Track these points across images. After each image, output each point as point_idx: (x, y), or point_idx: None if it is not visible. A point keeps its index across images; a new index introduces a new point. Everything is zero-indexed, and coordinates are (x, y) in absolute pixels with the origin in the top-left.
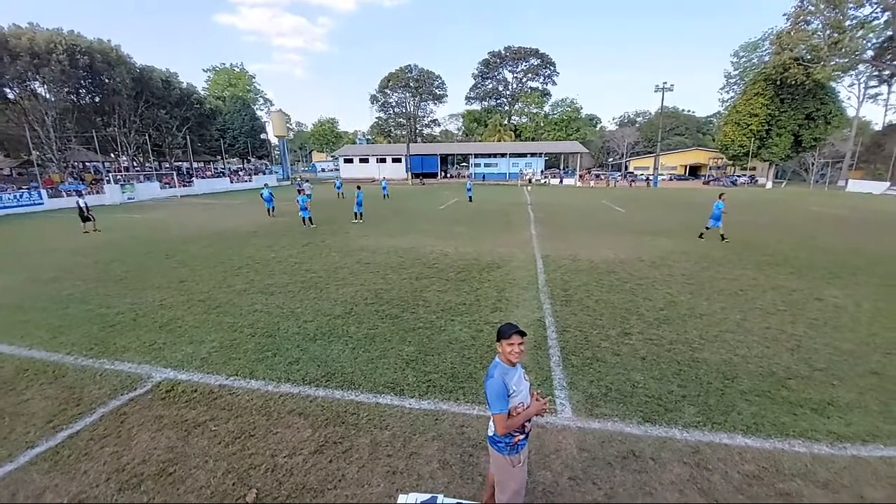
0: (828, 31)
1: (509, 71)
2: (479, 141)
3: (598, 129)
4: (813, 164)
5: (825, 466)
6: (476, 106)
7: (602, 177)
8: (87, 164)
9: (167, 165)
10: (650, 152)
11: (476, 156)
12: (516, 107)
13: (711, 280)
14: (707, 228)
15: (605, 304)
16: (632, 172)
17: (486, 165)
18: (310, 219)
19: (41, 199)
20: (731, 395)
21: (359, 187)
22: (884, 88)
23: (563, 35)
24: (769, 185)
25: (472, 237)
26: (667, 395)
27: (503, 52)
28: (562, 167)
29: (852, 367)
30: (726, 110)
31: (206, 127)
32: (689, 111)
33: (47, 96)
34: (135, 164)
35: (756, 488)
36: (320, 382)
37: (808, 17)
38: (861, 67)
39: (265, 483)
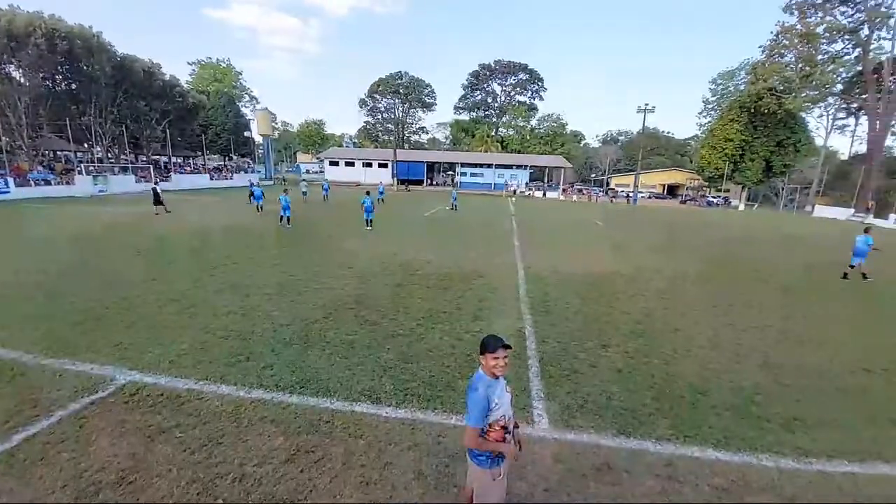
0: (800, 65)
1: (498, 84)
2: (466, 150)
3: (581, 145)
4: (783, 189)
5: (791, 481)
6: (464, 116)
7: (584, 192)
8: (58, 152)
9: (144, 159)
10: (631, 170)
11: (462, 165)
12: (504, 119)
13: (686, 296)
14: (851, 267)
15: (584, 316)
16: (613, 189)
17: (473, 175)
18: (288, 219)
19: (7, 187)
20: (702, 409)
21: (367, 193)
22: (851, 120)
23: (553, 52)
24: (741, 207)
25: (455, 245)
26: (641, 407)
27: (493, 65)
28: (546, 181)
29: (819, 385)
30: (703, 134)
31: (187, 121)
32: (668, 133)
33: (22, 80)
34: (109, 155)
35: (724, 501)
36: (294, 389)
37: (783, 51)
38: (830, 100)
39: (232, 494)
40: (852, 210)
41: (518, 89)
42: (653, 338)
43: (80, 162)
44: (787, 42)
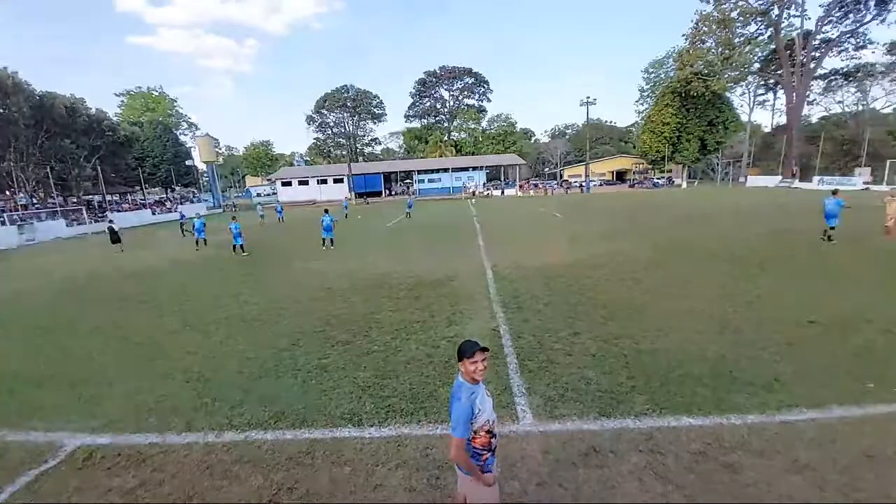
0: (720, 49)
1: (445, 89)
2: (422, 157)
3: (532, 141)
4: (718, 164)
5: (759, 435)
6: (416, 124)
7: (540, 186)
8: None
9: (74, 200)
10: (581, 161)
11: (419, 172)
12: (455, 123)
13: (644, 278)
14: (832, 229)
15: (554, 308)
16: (567, 180)
17: (430, 181)
18: (241, 247)
19: None
20: (673, 380)
21: (326, 211)
22: (770, 95)
23: (495, 55)
24: (684, 185)
25: (421, 253)
26: (618, 387)
27: (438, 71)
28: (502, 179)
29: (775, 343)
30: (643, 120)
31: (120, 155)
32: (611, 122)
33: None
34: (34, 200)
35: (703, 465)
36: (269, 424)
37: (703, 37)
38: (750, 78)
39: None
40: (780, 177)
41: (465, 93)
42: (620, 320)
43: (3, 211)
44: (707, 29)
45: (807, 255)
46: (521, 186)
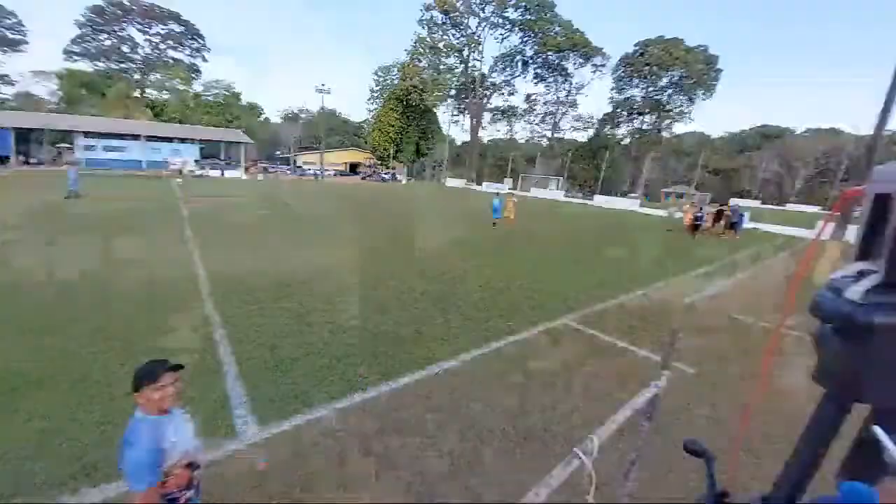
0: (430, 70)
1: (139, 30)
2: (94, 115)
3: (262, 119)
4: (427, 166)
5: (452, 374)
6: (85, 66)
7: (271, 170)
8: None
9: None
10: (316, 148)
11: (87, 135)
12: (154, 78)
13: (360, 271)
14: (498, 219)
15: (275, 306)
16: (300, 167)
17: (109, 149)
18: None
19: None
20: (391, 352)
21: None
22: (461, 117)
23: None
24: (404, 181)
25: (107, 255)
26: (349, 364)
27: (127, 3)
28: (223, 157)
29: (456, 308)
30: (373, 118)
31: None
32: (345, 115)
33: None
34: None
35: (411, 409)
36: None
37: (420, 57)
38: (449, 101)
39: None
40: (465, 180)
41: (171, 42)
42: (340, 307)
43: None
44: (422, 50)
45: (486, 243)
46: (247, 168)
